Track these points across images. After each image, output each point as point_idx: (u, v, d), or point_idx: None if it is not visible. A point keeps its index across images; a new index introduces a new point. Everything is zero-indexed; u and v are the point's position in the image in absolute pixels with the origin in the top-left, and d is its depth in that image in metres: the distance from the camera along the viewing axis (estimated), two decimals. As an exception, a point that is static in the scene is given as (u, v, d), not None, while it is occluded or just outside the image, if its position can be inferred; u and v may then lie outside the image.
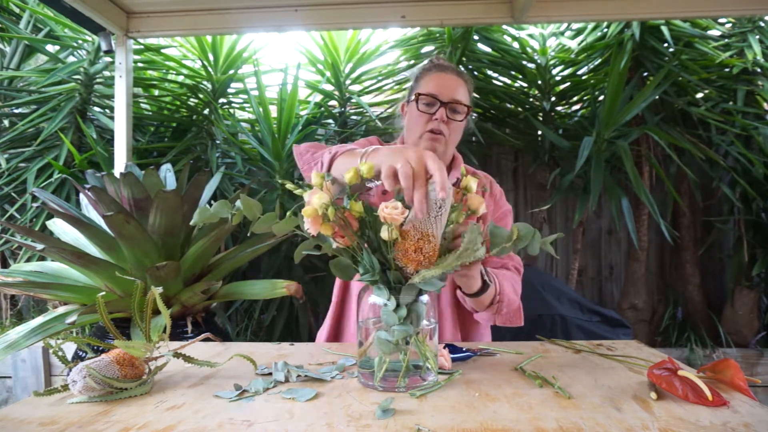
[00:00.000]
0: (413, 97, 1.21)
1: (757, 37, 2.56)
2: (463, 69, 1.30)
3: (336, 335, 1.28)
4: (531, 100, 2.84)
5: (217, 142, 2.73)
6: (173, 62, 2.78)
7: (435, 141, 1.18)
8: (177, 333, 1.70)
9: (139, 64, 2.70)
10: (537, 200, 2.98)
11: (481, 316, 1.16)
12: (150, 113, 2.79)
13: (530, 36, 2.88)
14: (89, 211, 1.88)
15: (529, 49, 2.84)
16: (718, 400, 0.72)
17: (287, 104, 2.47)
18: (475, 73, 2.80)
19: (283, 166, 2.54)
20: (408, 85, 3.01)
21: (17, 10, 2.71)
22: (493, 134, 2.72)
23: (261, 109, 2.52)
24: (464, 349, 1.01)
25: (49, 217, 2.16)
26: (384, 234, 0.74)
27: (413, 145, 1.19)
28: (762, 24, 2.60)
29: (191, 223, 0.83)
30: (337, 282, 1.29)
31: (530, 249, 0.79)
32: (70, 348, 2.27)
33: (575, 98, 2.86)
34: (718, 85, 2.67)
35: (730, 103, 2.61)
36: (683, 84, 2.63)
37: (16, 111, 2.66)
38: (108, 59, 2.51)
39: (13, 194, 2.51)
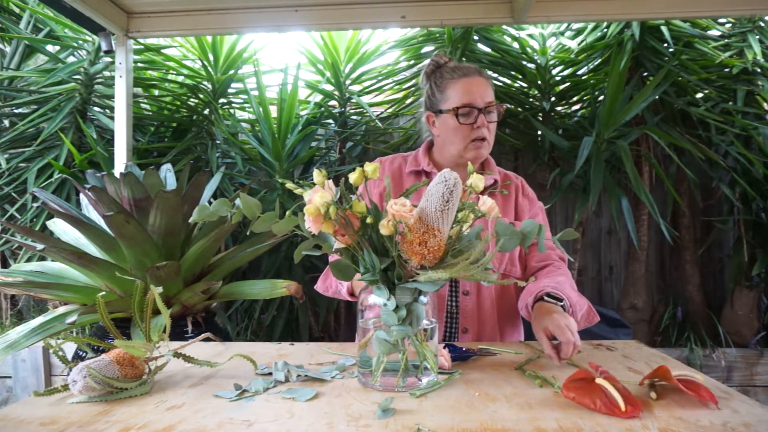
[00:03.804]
0: (449, 111, 1.23)
1: (757, 37, 2.56)
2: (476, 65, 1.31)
3: None
4: (531, 100, 2.84)
5: (217, 142, 2.73)
6: (173, 62, 2.77)
7: (480, 149, 1.23)
8: (177, 333, 1.70)
9: (139, 64, 2.70)
10: (537, 200, 2.98)
11: None
12: (150, 113, 2.79)
13: (530, 36, 2.87)
14: (89, 211, 1.88)
15: (529, 49, 2.84)
16: (631, 410, 0.69)
17: (287, 104, 2.47)
18: (475, 73, 2.79)
19: (283, 166, 2.54)
20: (408, 84, 2.99)
21: (17, 10, 2.71)
22: (493, 134, 2.72)
23: (261, 109, 2.52)
24: (464, 349, 1.01)
25: (49, 217, 2.16)
26: (383, 230, 0.74)
27: (457, 155, 1.25)
28: (762, 24, 2.60)
29: (190, 220, 0.83)
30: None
31: (538, 247, 0.79)
32: (70, 348, 2.27)
33: (575, 98, 2.86)
34: (718, 85, 2.66)
35: (730, 103, 2.61)
36: (683, 84, 2.63)
37: (16, 111, 2.66)
38: (108, 59, 2.51)
39: (13, 194, 2.51)
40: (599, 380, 0.74)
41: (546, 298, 1.07)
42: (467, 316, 1.24)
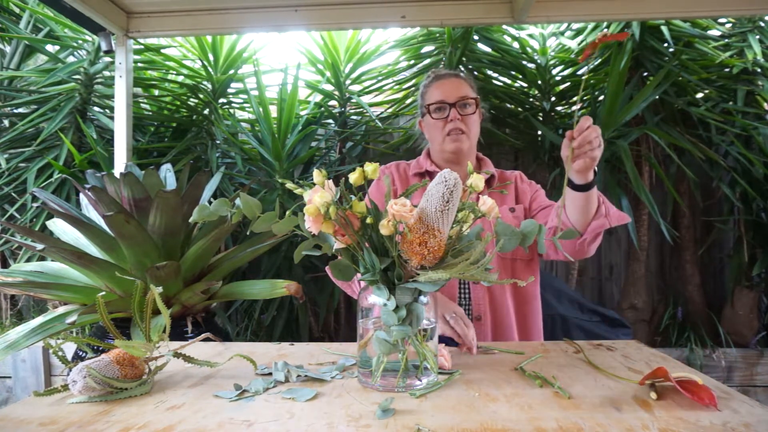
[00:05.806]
0: (425, 110, 1.34)
1: (757, 37, 2.56)
2: (462, 69, 1.38)
3: None
4: (531, 100, 2.84)
5: (217, 142, 2.73)
6: (173, 62, 2.77)
7: (458, 141, 1.30)
8: (177, 333, 1.70)
9: (139, 64, 2.70)
10: (537, 200, 2.97)
11: (594, 227, 1.10)
12: (150, 113, 2.79)
13: (530, 36, 2.87)
14: (89, 211, 1.88)
15: (529, 49, 2.84)
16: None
17: (287, 104, 2.47)
18: (475, 73, 2.79)
19: (283, 166, 2.54)
20: (408, 84, 3.02)
21: (17, 10, 2.71)
22: (493, 134, 2.72)
23: (261, 109, 2.52)
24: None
25: (49, 217, 2.16)
26: (383, 230, 0.74)
27: (440, 150, 1.32)
28: (762, 24, 2.59)
29: (190, 220, 0.83)
30: None
31: (539, 248, 0.80)
32: (70, 348, 2.27)
33: (575, 98, 2.86)
34: (718, 85, 2.66)
35: (730, 103, 2.61)
36: (683, 84, 2.63)
37: (16, 111, 2.66)
38: (108, 59, 2.50)
39: (13, 194, 2.51)
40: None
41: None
42: (480, 303, 1.25)
